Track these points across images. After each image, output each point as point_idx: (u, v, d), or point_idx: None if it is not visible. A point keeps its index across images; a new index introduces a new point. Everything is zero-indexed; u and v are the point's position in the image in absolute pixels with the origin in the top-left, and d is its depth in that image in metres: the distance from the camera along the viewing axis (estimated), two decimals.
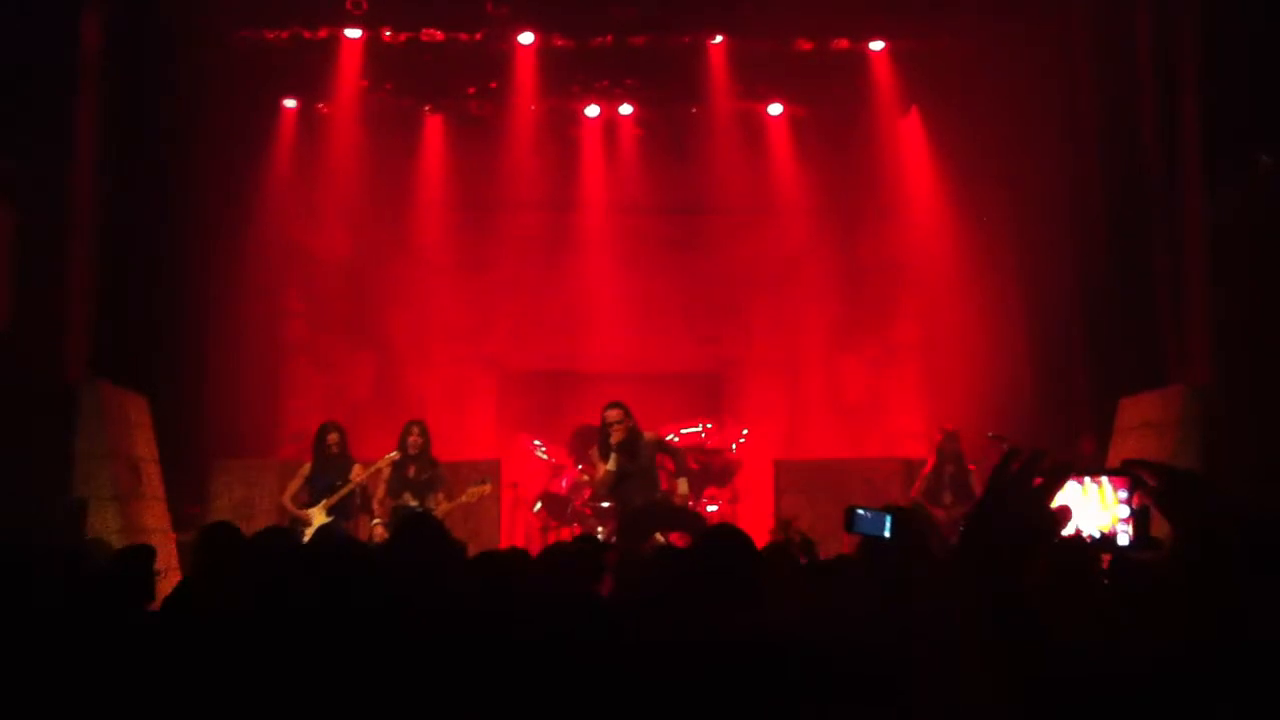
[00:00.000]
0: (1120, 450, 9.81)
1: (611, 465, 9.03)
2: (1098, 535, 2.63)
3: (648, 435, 9.32)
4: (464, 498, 9.46)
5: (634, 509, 8.96)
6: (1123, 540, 2.73)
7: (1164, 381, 9.54)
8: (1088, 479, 2.62)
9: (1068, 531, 2.71)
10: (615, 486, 9.18)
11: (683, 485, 9.31)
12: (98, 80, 9.32)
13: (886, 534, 3.49)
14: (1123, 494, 2.90)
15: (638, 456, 9.10)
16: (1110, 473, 2.62)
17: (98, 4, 9.31)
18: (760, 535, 11.79)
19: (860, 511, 3.54)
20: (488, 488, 9.66)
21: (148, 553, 5.18)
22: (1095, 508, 3.05)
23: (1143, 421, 9.56)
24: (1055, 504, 2.41)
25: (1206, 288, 9.02)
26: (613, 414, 9.02)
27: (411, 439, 9.49)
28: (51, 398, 8.68)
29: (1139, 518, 2.62)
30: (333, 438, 9.51)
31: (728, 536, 3.93)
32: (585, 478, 11.74)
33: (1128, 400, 9.90)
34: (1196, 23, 8.94)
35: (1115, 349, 10.48)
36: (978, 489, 10.06)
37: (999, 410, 11.57)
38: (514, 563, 5.06)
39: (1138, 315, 10.05)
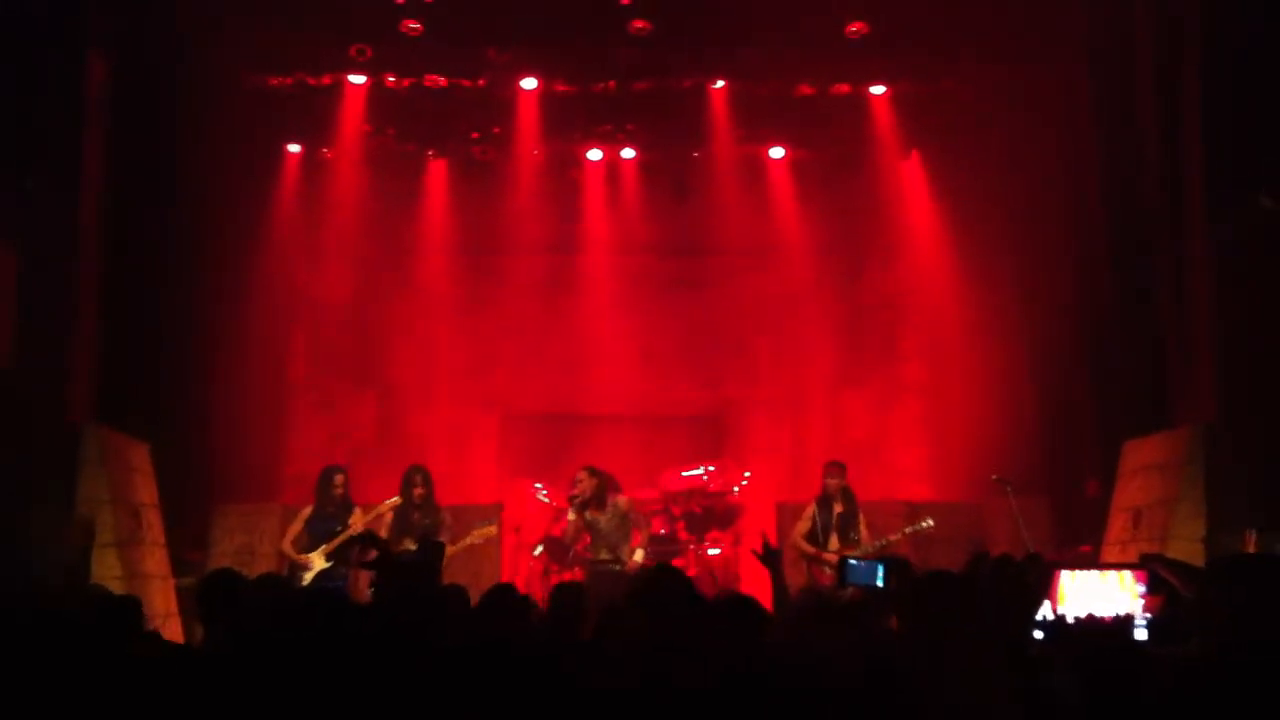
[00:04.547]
0: (1125, 493, 9.78)
1: (571, 515, 9.82)
2: (1114, 616, 2.66)
3: (620, 501, 9.88)
4: (468, 540, 9.44)
5: (595, 572, 9.70)
6: (1140, 634, 2.74)
7: (1168, 422, 9.52)
8: (1108, 571, 2.65)
9: (1080, 614, 2.73)
10: (575, 537, 10.13)
11: (638, 555, 9.70)
12: (103, 124, 9.37)
13: (880, 583, 3.50)
14: (1141, 588, 2.92)
15: (603, 512, 9.72)
16: (1130, 567, 2.65)
17: (103, 48, 9.36)
18: (763, 579, 11.77)
19: (853, 562, 3.55)
20: (493, 529, 9.68)
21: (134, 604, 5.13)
22: (1113, 592, 3.08)
23: (1147, 464, 9.53)
24: (1064, 592, 2.45)
25: (1210, 328, 9.02)
26: (579, 474, 9.83)
27: (416, 490, 9.46)
28: (54, 443, 8.65)
29: (1159, 616, 2.65)
30: (339, 479, 9.47)
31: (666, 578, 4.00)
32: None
33: (1132, 443, 9.87)
34: (1197, 64, 8.99)
35: (1119, 389, 10.47)
36: (866, 531, 9.94)
37: (1003, 451, 11.54)
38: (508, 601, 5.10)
39: (1142, 355, 10.05)
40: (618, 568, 9.57)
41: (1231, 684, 2.62)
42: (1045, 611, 3.63)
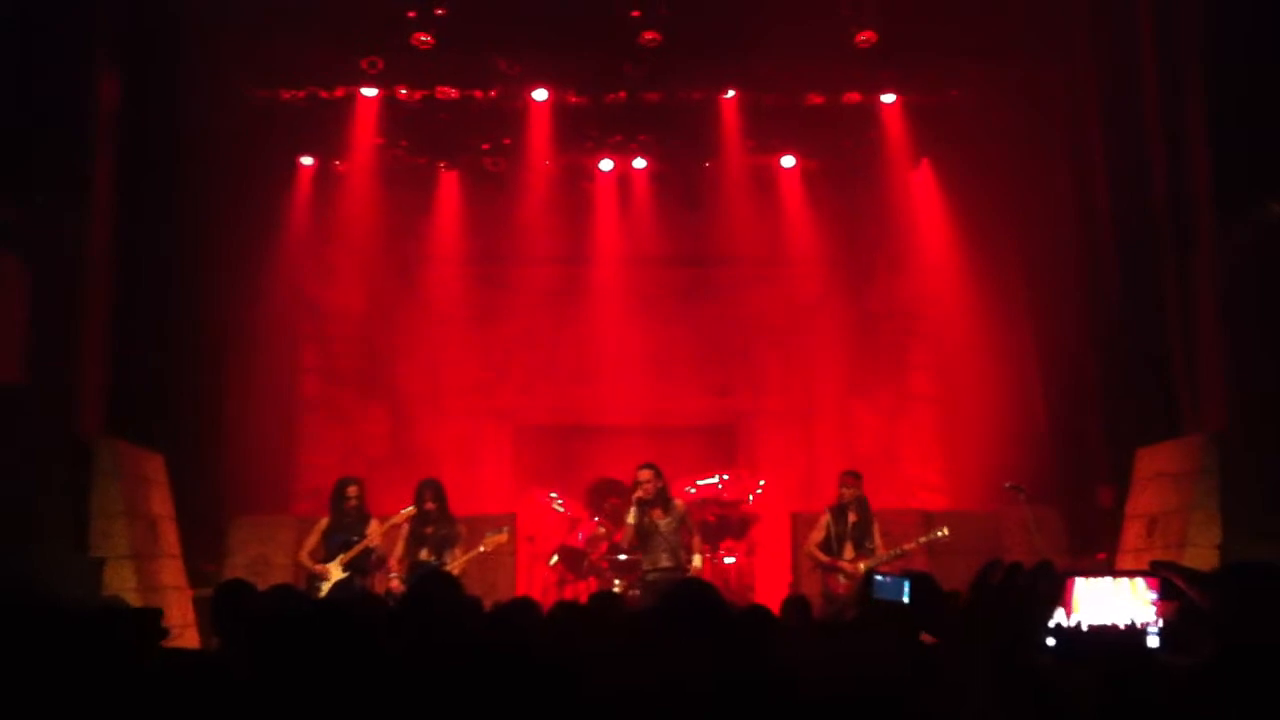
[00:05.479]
0: (1140, 500, 9.76)
1: (631, 519, 9.27)
2: (1127, 624, 2.67)
3: (678, 503, 9.50)
4: (481, 547, 9.40)
5: (658, 580, 9.11)
6: (1153, 642, 2.74)
7: (1179, 429, 9.50)
8: (1121, 578, 2.67)
9: (1094, 623, 2.75)
10: (639, 543, 9.42)
11: (697, 560, 9.47)
12: (114, 137, 9.40)
13: (905, 599, 3.49)
14: (1153, 594, 2.93)
15: (665, 515, 9.32)
16: (1142, 574, 2.67)
17: (115, 62, 9.41)
18: (779, 588, 11.76)
19: (879, 578, 3.55)
20: (504, 536, 9.60)
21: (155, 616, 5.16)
22: (1126, 599, 3.09)
23: (1162, 471, 9.51)
24: (1078, 600, 2.47)
25: (1220, 334, 9.01)
26: (643, 474, 9.35)
27: (427, 504, 9.42)
28: (67, 455, 8.69)
29: (1172, 624, 2.65)
30: (352, 491, 9.46)
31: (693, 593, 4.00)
32: (602, 531, 11.71)
33: (1145, 450, 9.85)
34: (1203, 71, 8.99)
35: (1130, 398, 10.45)
36: (880, 540, 9.91)
37: (1015, 460, 11.52)
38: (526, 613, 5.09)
39: (1152, 364, 10.03)
40: (679, 575, 9.08)
41: (1238, 691, 2.62)
42: (1060, 619, 3.64)
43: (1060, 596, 3.63)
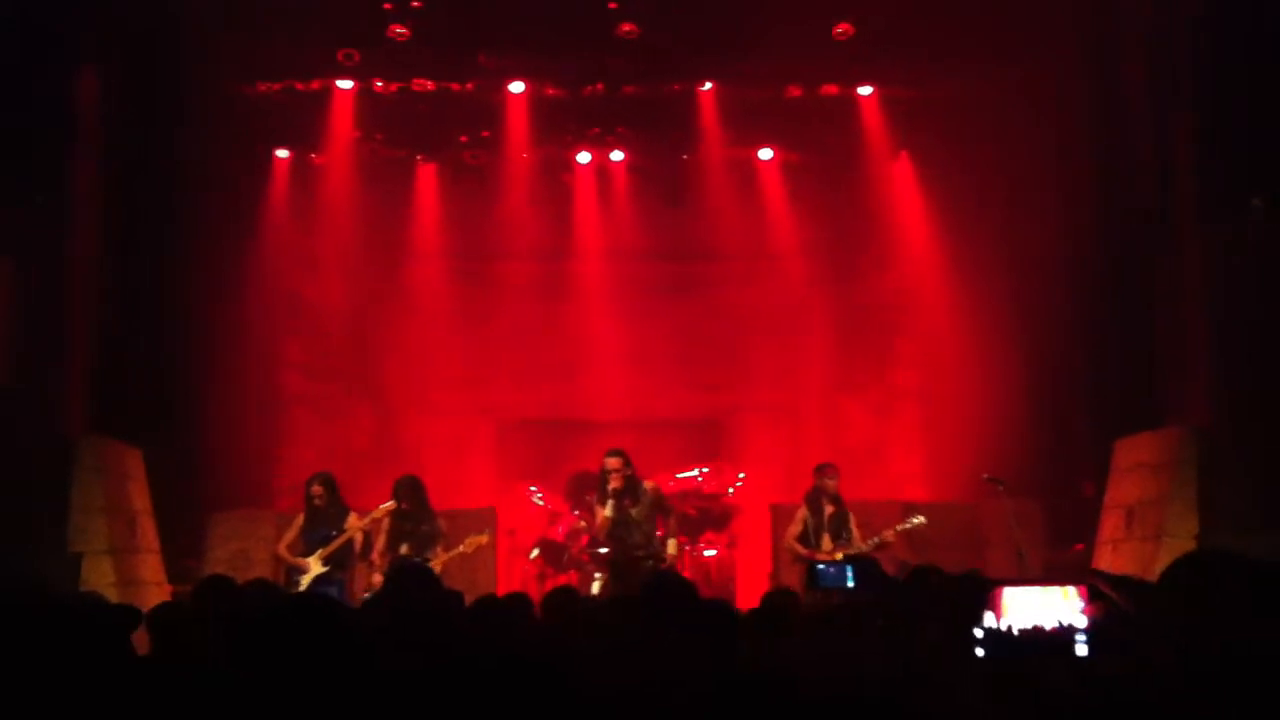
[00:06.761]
0: (1117, 491, 9.79)
1: (609, 512, 9.11)
2: (1058, 625, 2.70)
3: (648, 485, 9.35)
4: (461, 548, 9.38)
5: (625, 563, 8.98)
6: (1081, 650, 2.76)
7: (1162, 423, 9.53)
8: (1051, 586, 2.70)
9: (1026, 626, 2.77)
10: (611, 531, 9.25)
11: (672, 546, 9.29)
12: (95, 134, 9.38)
13: (850, 584, 3.52)
14: (1082, 602, 2.95)
15: (637, 503, 9.16)
16: (1071, 583, 2.69)
17: (94, 58, 9.37)
18: (759, 580, 11.78)
19: (821, 566, 3.57)
20: (485, 538, 9.56)
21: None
22: (1056, 606, 3.11)
23: (1139, 462, 9.55)
24: (1007, 606, 2.50)
25: (1203, 329, 9.04)
26: (612, 461, 9.15)
27: (402, 505, 9.34)
28: (49, 452, 8.66)
29: (1097, 628, 2.67)
30: (316, 490, 9.34)
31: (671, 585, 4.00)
32: (582, 524, 11.69)
33: (1124, 441, 9.88)
34: (1190, 67, 9.00)
35: (1113, 391, 10.48)
36: (857, 531, 9.92)
37: (998, 453, 11.52)
38: (515, 608, 5.10)
39: (1135, 357, 10.06)
40: (651, 562, 8.97)
41: (1230, 689, 2.63)
42: (990, 622, 3.69)
43: (986, 602, 3.68)
